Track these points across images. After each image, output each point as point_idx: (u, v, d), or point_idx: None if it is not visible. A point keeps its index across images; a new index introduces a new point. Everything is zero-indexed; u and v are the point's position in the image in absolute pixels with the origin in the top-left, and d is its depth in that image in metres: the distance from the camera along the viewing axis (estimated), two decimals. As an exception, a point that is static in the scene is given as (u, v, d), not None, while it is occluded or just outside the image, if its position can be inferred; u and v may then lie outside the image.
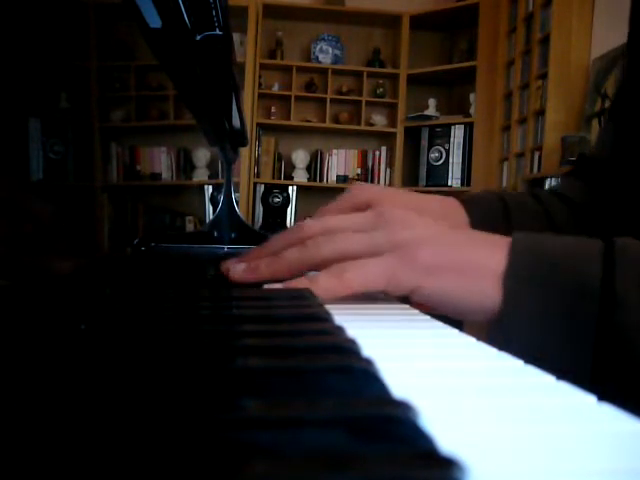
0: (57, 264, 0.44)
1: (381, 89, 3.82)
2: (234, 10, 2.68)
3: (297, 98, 3.72)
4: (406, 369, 0.21)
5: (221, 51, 0.61)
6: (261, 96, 3.69)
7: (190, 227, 1.10)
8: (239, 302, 0.32)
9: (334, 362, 0.18)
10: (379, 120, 3.83)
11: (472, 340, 0.26)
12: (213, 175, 1.24)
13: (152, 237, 0.76)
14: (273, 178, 3.76)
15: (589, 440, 0.14)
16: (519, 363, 0.22)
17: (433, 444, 0.13)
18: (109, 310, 0.30)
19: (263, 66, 3.69)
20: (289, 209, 3.66)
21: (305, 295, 0.34)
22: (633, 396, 0.33)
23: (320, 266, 0.39)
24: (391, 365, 0.20)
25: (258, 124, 3.69)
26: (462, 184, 3.64)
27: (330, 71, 3.72)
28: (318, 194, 3.73)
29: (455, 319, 0.38)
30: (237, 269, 0.42)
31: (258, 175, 3.74)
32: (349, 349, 0.20)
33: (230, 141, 0.92)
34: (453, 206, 0.56)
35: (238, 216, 0.93)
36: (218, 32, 0.57)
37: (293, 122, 3.71)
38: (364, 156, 3.85)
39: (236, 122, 0.88)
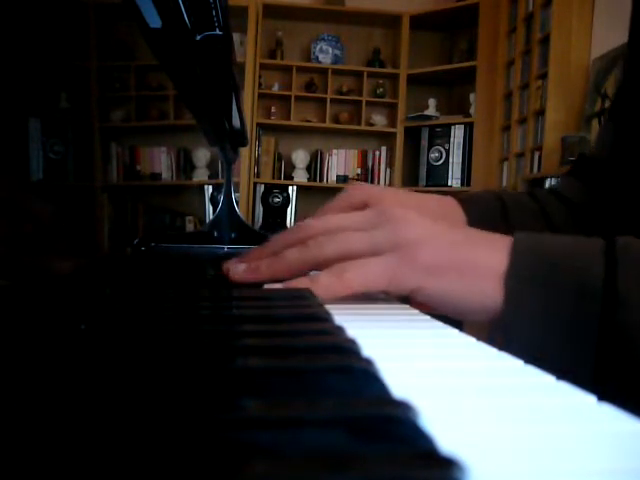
0: (57, 264, 0.44)
1: (381, 89, 3.82)
2: (234, 10, 2.68)
3: (297, 98, 3.72)
4: (406, 369, 0.21)
5: (221, 51, 0.61)
6: (261, 96, 3.69)
7: (190, 227, 1.10)
8: (239, 302, 0.32)
9: (334, 362, 0.18)
10: (379, 120, 3.83)
11: (472, 340, 0.26)
12: (213, 175, 1.24)
13: (152, 237, 0.76)
14: (273, 178, 3.76)
15: (589, 440, 0.14)
16: (519, 363, 0.22)
17: (433, 444, 0.13)
18: (109, 310, 0.30)
19: (263, 66, 3.69)
20: (289, 209, 3.65)
21: (305, 295, 0.34)
22: (635, 395, 0.33)
23: (321, 266, 0.39)
24: (391, 365, 0.20)
25: (258, 124, 3.69)
26: (462, 184, 3.64)
27: (330, 71, 3.72)
28: (318, 194, 3.73)
29: (455, 319, 0.38)
30: (237, 269, 0.42)
31: (258, 175, 3.74)
32: (349, 349, 0.20)
33: (230, 141, 0.92)
34: (451, 205, 0.57)
35: (238, 216, 0.93)
36: (218, 32, 0.57)
37: (293, 122, 3.71)
38: (364, 156, 3.85)
39: (236, 122, 0.88)
